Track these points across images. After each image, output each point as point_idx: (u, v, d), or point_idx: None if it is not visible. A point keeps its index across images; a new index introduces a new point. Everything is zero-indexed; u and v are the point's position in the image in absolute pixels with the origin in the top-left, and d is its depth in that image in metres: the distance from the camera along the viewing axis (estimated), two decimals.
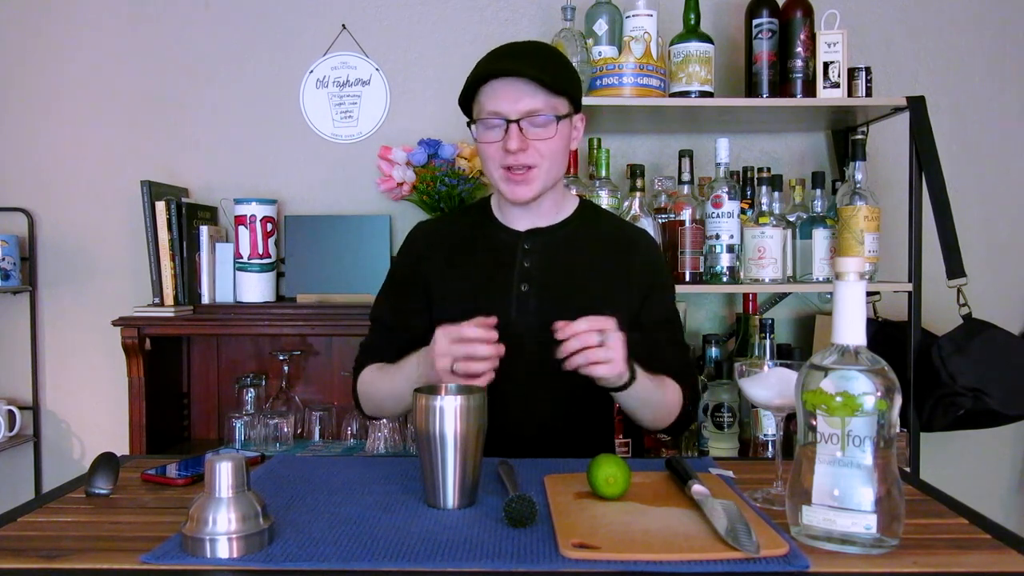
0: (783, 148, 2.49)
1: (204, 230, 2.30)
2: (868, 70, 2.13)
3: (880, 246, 2.09)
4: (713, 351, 2.22)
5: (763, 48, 2.12)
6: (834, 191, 2.25)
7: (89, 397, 2.50)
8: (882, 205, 2.11)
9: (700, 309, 2.48)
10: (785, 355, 2.16)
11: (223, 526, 0.90)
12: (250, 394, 2.22)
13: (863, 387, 0.92)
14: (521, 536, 0.96)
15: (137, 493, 1.18)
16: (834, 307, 0.96)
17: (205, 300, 2.30)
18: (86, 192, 2.49)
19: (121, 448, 2.02)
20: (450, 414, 1.08)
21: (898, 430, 2.00)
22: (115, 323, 2.13)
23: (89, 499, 1.14)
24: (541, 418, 1.48)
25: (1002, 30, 2.46)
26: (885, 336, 2.19)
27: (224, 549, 0.89)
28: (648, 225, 2.02)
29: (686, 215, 2.10)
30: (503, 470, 1.18)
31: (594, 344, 1.23)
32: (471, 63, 1.47)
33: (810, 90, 2.12)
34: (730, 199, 2.07)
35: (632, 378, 1.32)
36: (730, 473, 1.22)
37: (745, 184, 2.27)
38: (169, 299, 2.23)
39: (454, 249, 1.55)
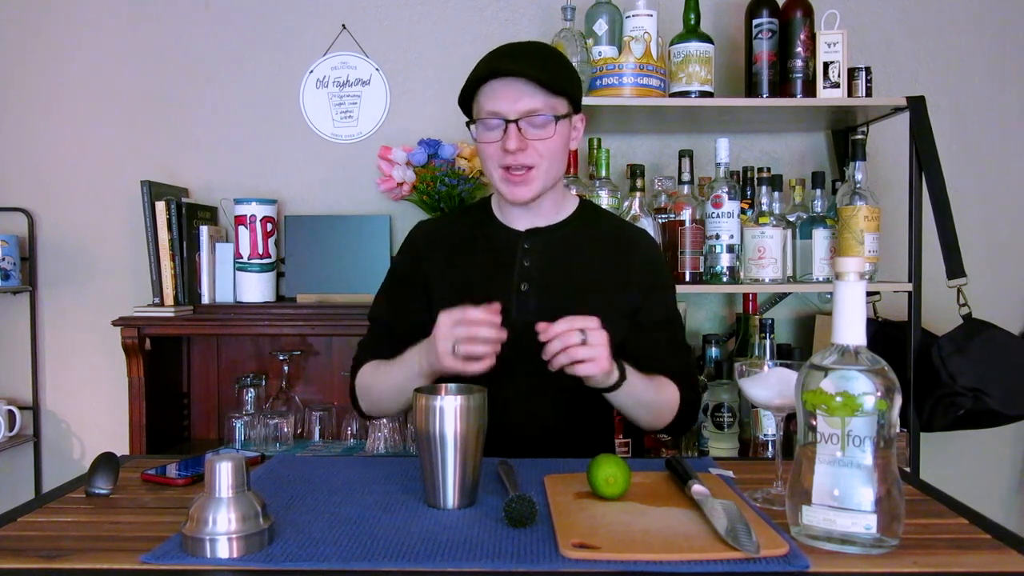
0: (783, 148, 2.49)
1: (204, 230, 2.30)
2: (868, 70, 2.13)
3: (880, 246, 2.09)
4: (713, 351, 2.23)
5: (763, 48, 2.12)
6: (834, 191, 2.25)
7: (89, 397, 2.50)
8: (882, 205, 2.11)
9: (700, 309, 2.48)
10: (785, 355, 2.16)
11: (223, 526, 0.90)
12: (250, 394, 2.22)
13: (863, 387, 0.92)
14: (521, 536, 0.96)
15: (137, 493, 1.18)
16: (834, 307, 0.96)
17: (205, 300, 2.30)
18: (86, 192, 2.49)
19: (121, 448, 2.02)
20: (450, 414, 1.08)
21: (898, 430, 2.00)
22: (115, 323, 2.13)
23: (89, 499, 1.14)
24: (541, 418, 1.48)
25: (1002, 30, 2.46)
26: (885, 336, 2.19)
27: (224, 549, 0.90)
28: (648, 225, 2.02)
29: (686, 215, 2.10)
30: (503, 470, 1.18)
31: (576, 343, 1.23)
32: (471, 63, 1.47)
33: (810, 90, 2.12)
34: (730, 199, 2.07)
35: (622, 377, 1.32)
36: (730, 473, 1.22)
37: (745, 184, 2.27)
38: (169, 299, 2.23)
39: (454, 249, 1.55)
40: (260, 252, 2.27)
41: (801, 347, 2.37)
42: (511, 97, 1.39)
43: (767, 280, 2.09)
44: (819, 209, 2.19)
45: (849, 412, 0.91)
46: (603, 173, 2.17)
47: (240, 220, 2.27)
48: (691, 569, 0.86)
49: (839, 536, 0.92)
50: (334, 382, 2.38)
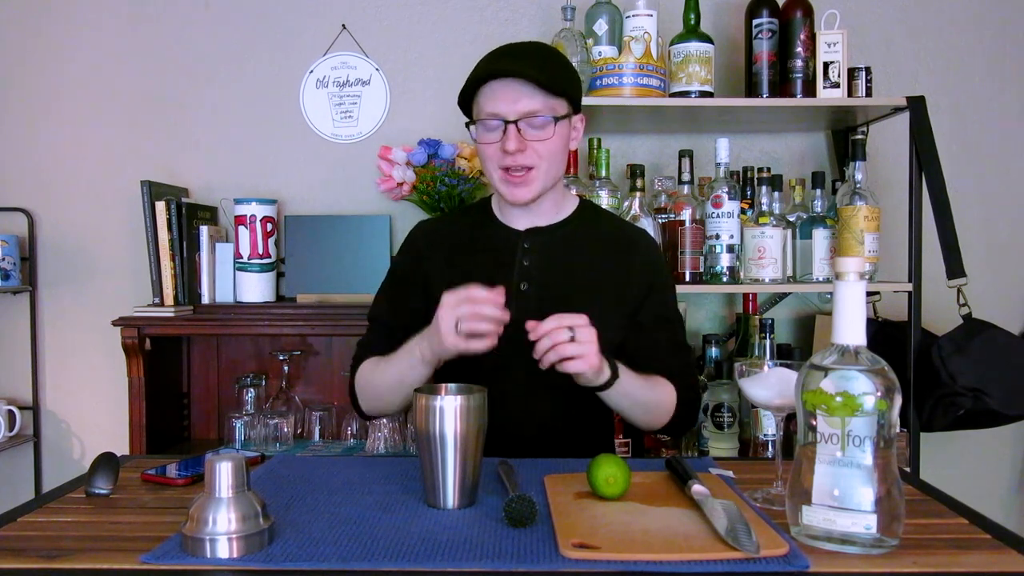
0: (783, 148, 2.49)
1: (204, 230, 2.30)
2: (868, 70, 2.13)
3: (880, 246, 2.09)
4: (713, 351, 2.23)
5: (763, 48, 2.12)
6: (834, 191, 2.25)
7: (89, 397, 2.50)
8: (882, 205, 2.11)
9: (700, 309, 2.48)
10: (785, 355, 2.16)
11: (223, 526, 0.90)
12: (250, 394, 2.22)
13: (863, 387, 0.92)
14: (521, 536, 0.96)
15: (137, 493, 1.18)
16: (834, 307, 0.96)
17: (205, 300, 2.30)
18: (86, 192, 2.49)
19: (121, 448, 2.02)
20: (450, 414, 1.08)
21: (898, 430, 2.00)
22: (115, 323, 2.13)
23: (89, 499, 1.14)
24: (541, 418, 1.48)
25: (1002, 30, 2.46)
26: (885, 336, 2.19)
27: (224, 549, 0.90)
28: (648, 225, 2.02)
29: (686, 215, 2.10)
30: (503, 470, 1.18)
31: (564, 340, 1.23)
32: (471, 63, 1.47)
33: (810, 90, 2.12)
34: (730, 199, 2.07)
35: (614, 376, 1.32)
36: (730, 473, 1.22)
37: (745, 184, 2.27)
38: (169, 299, 2.23)
39: (454, 248, 1.55)
40: (260, 252, 2.27)
41: (801, 347, 2.37)
42: (510, 98, 1.39)
43: (767, 280, 2.09)
44: (819, 209, 2.19)
45: (849, 412, 0.91)
46: (603, 173, 2.17)
47: (240, 220, 2.27)
48: (691, 569, 0.86)
49: (839, 536, 0.92)
50: (334, 382, 2.38)
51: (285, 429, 2.17)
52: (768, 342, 2.08)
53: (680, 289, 1.93)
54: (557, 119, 1.42)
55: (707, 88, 2.10)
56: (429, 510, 1.07)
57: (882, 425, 0.92)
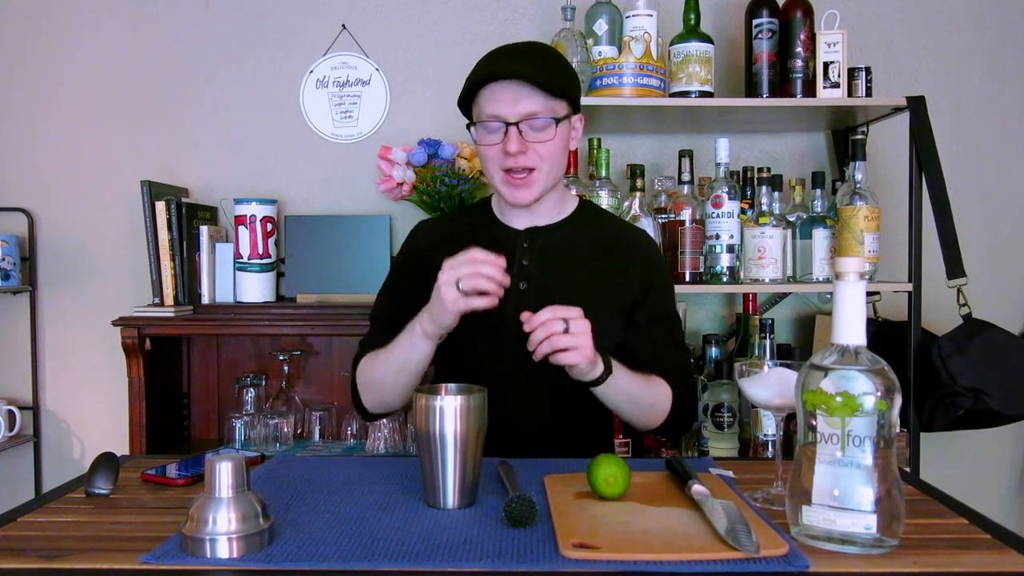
0: (783, 148, 2.49)
1: (204, 230, 2.30)
2: (868, 70, 2.13)
3: (880, 246, 2.09)
4: (713, 351, 2.22)
5: (763, 48, 2.12)
6: (834, 191, 2.25)
7: (89, 397, 2.50)
8: (882, 205, 2.11)
9: (700, 309, 2.48)
10: (785, 355, 2.16)
11: (223, 526, 0.90)
12: (250, 394, 2.22)
13: (863, 387, 0.92)
14: (521, 536, 0.96)
15: (137, 493, 1.18)
16: (834, 307, 0.96)
17: (205, 300, 2.30)
18: (86, 192, 2.49)
19: (121, 448, 2.02)
20: (450, 414, 1.08)
21: (898, 430, 2.00)
22: (115, 323, 2.13)
23: (89, 499, 1.14)
24: (541, 418, 1.48)
25: (1002, 30, 2.46)
26: (885, 336, 2.19)
27: (224, 549, 0.90)
28: (648, 225, 2.02)
29: (686, 215, 2.10)
30: (503, 470, 1.18)
31: (558, 331, 1.23)
32: (471, 63, 1.47)
33: (810, 90, 2.12)
34: (730, 199, 2.07)
35: (607, 371, 1.32)
36: (730, 473, 1.22)
37: (745, 184, 2.27)
38: (169, 299, 2.23)
39: (454, 248, 1.54)
40: (260, 252, 2.27)
41: (801, 347, 2.37)
42: (511, 100, 1.39)
43: (767, 280, 2.09)
44: (819, 209, 2.19)
45: (849, 412, 0.91)
46: (603, 173, 2.17)
47: (240, 220, 2.27)
48: (691, 569, 0.86)
49: (839, 536, 0.92)
50: (334, 382, 2.38)
51: (285, 429, 2.17)
52: (768, 342, 2.08)
53: (680, 289, 1.94)
54: (558, 120, 1.42)
55: (707, 88, 2.10)
56: (429, 510, 1.07)
57: (882, 425, 0.92)
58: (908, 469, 2.02)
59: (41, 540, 0.98)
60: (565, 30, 2.10)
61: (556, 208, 1.55)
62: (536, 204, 1.49)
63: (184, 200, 2.31)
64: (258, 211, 2.27)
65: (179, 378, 2.41)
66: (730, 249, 2.08)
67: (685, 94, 2.09)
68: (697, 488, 1.06)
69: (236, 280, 2.30)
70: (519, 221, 1.53)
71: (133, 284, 2.45)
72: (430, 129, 2.37)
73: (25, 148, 2.50)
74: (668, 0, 2.24)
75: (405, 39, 2.47)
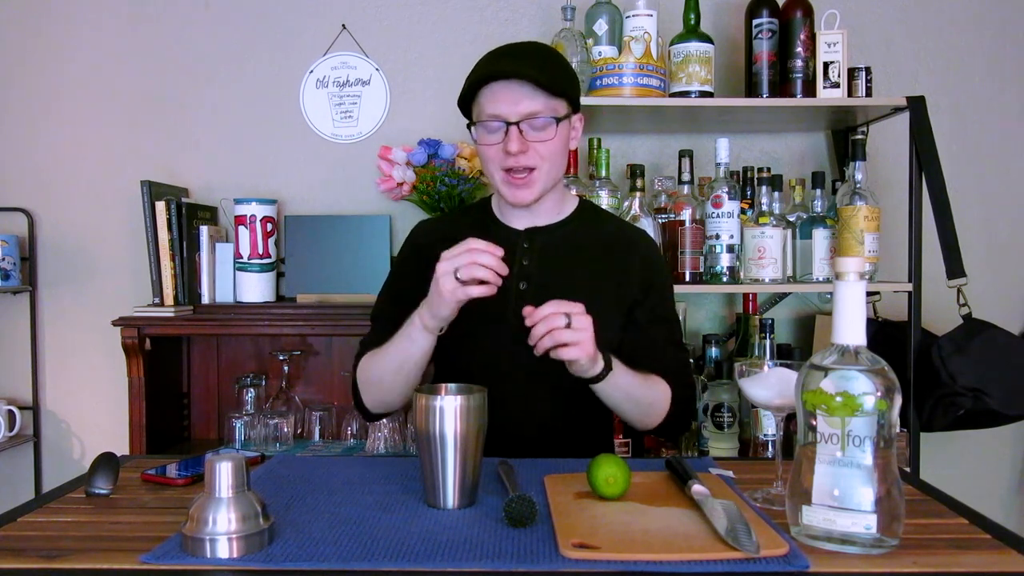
0: (783, 148, 2.49)
1: (204, 230, 2.30)
2: (868, 70, 2.13)
3: (880, 246, 2.09)
4: (713, 351, 2.22)
5: (763, 48, 2.12)
6: (834, 191, 2.25)
7: (89, 397, 2.50)
8: (882, 205, 2.11)
9: (700, 309, 2.48)
10: (785, 355, 2.16)
11: (223, 526, 0.90)
12: (250, 394, 2.22)
13: (863, 387, 0.92)
14: (521, 536, 0.96)
15: (137, 493, 1.18)
16: (834, 307, 0.96)
17: (205, 300, 2.30)
18: (86, 192, 2.49)
19: (121, 448, 2.02)
20: (450, 414, 1.08)
21: (898, 430, 2.00)
22: (115, 323, 2.13)
23: (89, 499, 1.14)
24: (541, 418, 1.48)
25: (1002, 30, 2.46)
26: (885, 336, 2.19)
27: (224, 549, 0.90)
28: (648, 225, 2.02)
29: (686, 215, 2.10)
30: (503, 470, 1.18)
31: (560, 326, 1.23)
32: (471, 63, 1.47)
33: (810, 90, 2.12)
34: (730, 199, 2.07)
35: (607, 368, 1.32)
36: (730, 473, 1.22)
37: (745, 184, 2.27)
38: (169, 299, 2.23)
39: None
40: (260, 252, 2.27)
41: (801, 347, 2.37)
42: (511, 99, 1.39)
43: (767, 280, 2.09)
44: (819, 209, 2.20)
45: (849, 412, 0.91)
46: (603, 173, 2.17)
47: (240, 220, 2.27)
48: (691, 569, 0.86)
49: (839, 536, 0.92)
50: (334, 382, 2.38)
51: (285, 429, 2.17)
52: (768, 342, 2.08)
53: (680, 289, 1.94)
54: (558, 119, 1.42)
55: (707, 88, 2.10)
56: (429, 510, 1.07)
57: (882, 425, 0.92)
58: (908, 469, 2.02)
59: (41, 540, 0.98)
60: (565, 30, 2.10)
61: (556, 208, 1.55)
62: (536, 204, 1.49)
63: (184, 200, 2.31)
64: (258, 211, 2.27)
65: (179, 378, 2.41)
66: (730, 249, 2.08)
67: (685, 94, 2.09)
68: (697, 488, 1.06)
69: (236, 280, 2.30)
70: (519, 221, 1.53)
71: (133, 284, 2.45)
72: (430, 129, 2.37)
73: (25, 148, 2.50)
74: (668, 0, 2.24)
75: (405, 39, 2.47)
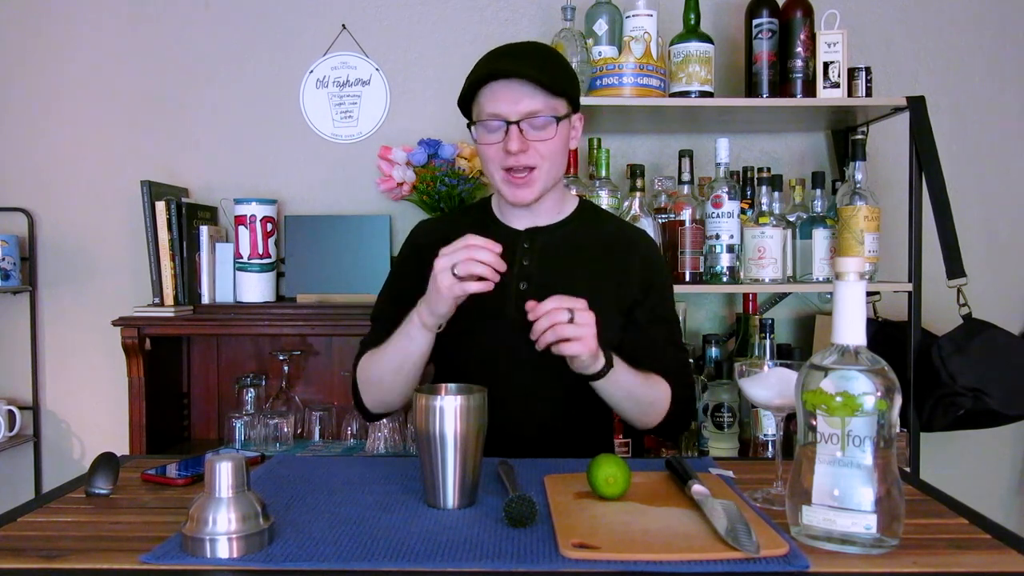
0: (783, 148, 2.49)
1: (204, 230, 2.30)
2: (868, 70, 2.13)
3: (880, 246, 2.09)
4: (713, 351, 2.22)
5: (763, 48, 2.12)
6: (834, 191, 2.25)
7: (89, 397, 2.50)
8: (882, 205, 2.11)
9: (700, 309, 2.48)
10: (785, 355, 2.16)
11: (223, 526, 0.90)
12: (250, 394, 2.22)
13: (863, 387, 0.92)
14: (521, 536, 0.96)
15: (137, 493, 1.18)
16: (834, 307, 0.96)
17: (205, 300, 2.30)
18: (86, 192, 2.49)
19: (121, 448, 2.02)
20: (450, 414, 1.08)
21: (898, 430, 2.00)
22: (115, 323, 2.13)
23: (89, 499, 1.14)
24: (541, 418, 1.48)
25: (1002, 30, 2.46)
26: (885, 336, 2.19)
27: (224, 549, 0.89)
28: (648, 225, 2.02)
29: (686, 215, 2.10)
30: (503, 470, 1.18)
31: (563, 321, 1.23)
32: (471, 63, 1.47)
33: (810, 90, 2.12)
34: (730, 199, 2.07)
35: (609, 365, 1.32)
36: (730, 473, 1.22)
37: (745, 184, 2.27)
38: (169, 299, 2.23)
39: None
40: (260, 252, 2.27)
41: (801, 347, 2.37)
42: (512, 99, 1.39)
43: (767, 280, 2.09)
44: (819, 209, 2.20)
45: (849, 412, 0.91)
46: (603, 173, 2.17)
47: (240, 220, 2.27)
48: (691, 569, 0.86)
49: (839, 536, 0.92)
50: (334, 382, 2.38)
51: (285, 429, 2.17)
52: (768, 342, 2.08)
53: (680, 289, 1.94)
54: (558, 119, 1.42)
55: (707, 88, 2.10)
56: (429, 510, 1.07)
57: (882, 425, 0.92)
58: (908, 469, 2.02)
59: (41, 540, 0.98)
60: (565, 30, 2.10)
61: (556, 208, 1.55)
62: (536, 204, 1.49)
63: (184, 200, 2.31)
64: (258, 211, 2.27)
65: (179, 378, 2.41)
66: (730, 249, 2.08)
67: (685, 94, 2.09)
68: (697, 488, 1.06)
69: (236, 280, 2.30)
70: (519, 221, 1.53)
71: (133, 284, 2.45)
72: (430, 129, 2.37)
73: (25, 148, 2.50)
74: (668, 0, 2.24)
75: (405, 39, 2.47)
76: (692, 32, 2.11)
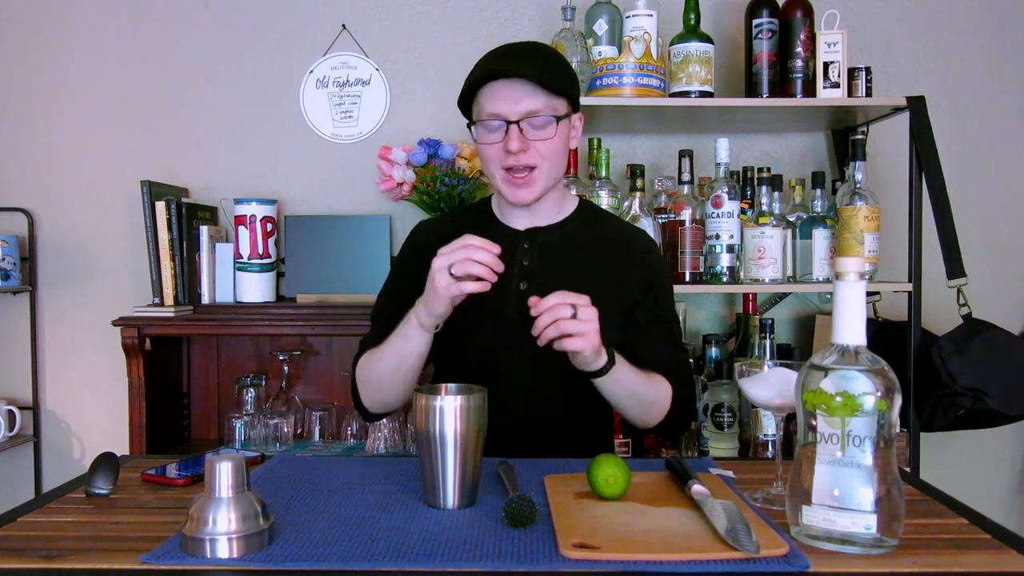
0: (783, 148, 2.49)
1: (204, 230, 2.30)
2: (868, 70, 2.13)
3: (880, 246, 2.09)
4: (713, 351, 2.22)
5: (763, 48, 2.12)
6: (834, 191, 2.25)
7: (89, 397, 2.50)
8: (882, 205, 2.11)
9: (700, 309, 2.48)
10: (785, 355, 2.16)
11: (223, 526, 0.90)
12: (250, 394, 2.22)
13: (863, 387, 0.92)
14: (521, 536, 0.96)
15: (137, 493, 1.18)
16: (834, 307, 0.96)
17: (205, 300, 2.30)
18: (86, 192, 2.49)
19: (121, 448, 2.02)
20: (450, 414, 1.08)
21: (898, 430, 2.00)
22: (115, 323, 2.13)
23: (89, 499, 1.14)
24: (541, 418, 1.48)
25: (1002, 30, 2.46)
26: (885, 336, 2.19)
27: (224, 549, 0.90)
28: (648, 225, 2.02)
29: (686, 215, 2.10)
30: (503, 470, 1.18)
31: (566, 316, 1.23)
32: (471, 63, 1.47)
33: (810, 90, 2.12)
34: (730, 199, 2.07)
35: (611, 362, 1.32)
36: (730, 473, 1.22)
37: (745, 184, 2.27)
38: (169, 299, 2.23)
39: None
40: (260, 252, 2.27)
41: (801, 347, 2.37)
42: (512, 98, 1.39)
43: (767, 280, 2.09)
44: (819, 209, 2.20)
45: (849, 412, 0.91)
46: (603, 173, 2.17)
47: (240, 220, 2.27)
48: (691, 569, 0.86)
49: (839, 536, 0.92)
50: (334, 382, 2.38)
51: (285, 429, 2.17)
52: (768, 342, 2.08)
53: (680, 289, 1.94)
54: (558, 118, 1.42)
55: (707, 88, 2.10)
56: (429, 510, 1.07)
57: (882, 425, 0.92)
58: (908, 469, 2.02)
59: (41, 540, 0.98)
60: (565, 30, 2.10)
61: (556, 208, 1.55)
62: (536, 204, 1.49)
63: (184, 200, 2.31)
64: (258, 211, 2.27)
65: (179, 378, 2.41)
66: (730, 249, 2.08)
67: (685, 94, 2.09)
68: (697, 488, 1.06)
69: (236, 280, 2.30)
70: (519, 221, 1.53)
71: (133, 284, 2.45)
72: (430, 129, 2.37)
73: (25, 148, 2.50)
74: (668, 0, 2.24)
75: (405, 39, 2.47)
76: (692, 32, 2.11)
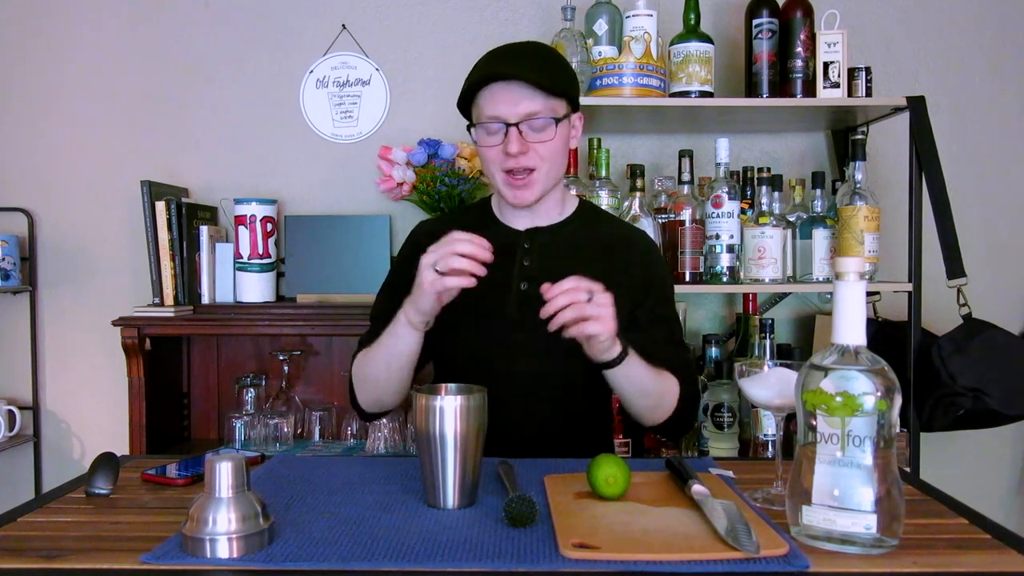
0: (783, 148, 2.49)
1: (204, 230, 2.30)
2: (868, 70, 2.13)
3: (880, 246, 2.09)
4: (713, 351, 2.22)
5: (763, 48, 2.12)
6: (834, 191, 2.25)
7: (89, 397, 2.50)
8: (882, 205, 2.11)
9: (700, 309, 2.48)
10: (785, 355, 2.16)
11: (223, 526, 0.90)
12: (250, 394, 2.22)
13: (863, 387, 0.92)
14: (521, 536, 0.96)
15: (137, 493, 1.18)
16: (834, 307, 0.96)
17: (205, 300, 2.30)
18: (86, 192, 2.49)
19: (121, 448, 2.02)
20: (450, 414, 1.08)
21: (898, 430, 2.00)
22: (115, 323, 2.13)
23: (89, 499, 1.14)
24: (541, 418, 1.48)
25: (1002, 30, 2.46)
26: (885, 336, 2.19)
27: (224, 549, 0.90)
28: (648, 225, 2.02)
29: (686, 215, 2.10)
30: (503, 470, 1.18)
31: (583, 300, 1.22)
32: (471, 63, 1.47)
33: (810, 90, 2.12)
34: (730, 199, 2.07)
35: (625, 352, 1.32)
36: (730, 473, 1.22)
37: (745, 184, 2.27)
38: (169, 299, 2.23)
39: None
40: (260, 252, 2.27)
41: (801, 347, 2.37)
42: (511, 100, 1.39)
43: (767, 280, 2.09)
44: (819, 209, 2.20)
45: (849, 412, 0.91)
46: (603, 173, 2.17)
47: (240, 220, 2.27)
48: (691, 569, 0.86)
49: (839, 536, 0.92)
50: (334, 382, 2.38)
51: (285, 429, 2.17)
52: (768, 342, 2.08)
53: (680, 289, 1.94)
54: (558, 120, 1.42)
55: (707, 88, 2.10)
56: (429, 510, 1.07)
57: (882, 425, 0.92)
58: (908, 469, 2.02)
59: (41, 540, 0.98)
60: (565, 30, 2.10)
61: (557, 208, 1.55)
62: (537, 204, 1.49)
63: (184, 200, 2.31)
64: (258, 211, 2.27)
65: (179, 378, 2.41)
66: (730, 249, 2.08)
67: (685, 94, 2.09)
68: (697, 488, 1.06)
69: (236, 280, 2.30)
70: (520, 221, 1.53)
71: (133, 284, 2.45)
72: (430, 129, 2.37)
73: (25, 148, 2.50)
74: (668, 0, 2.24)
75: (405, 39, 2.47)
76: (692, 32, 2.11)
